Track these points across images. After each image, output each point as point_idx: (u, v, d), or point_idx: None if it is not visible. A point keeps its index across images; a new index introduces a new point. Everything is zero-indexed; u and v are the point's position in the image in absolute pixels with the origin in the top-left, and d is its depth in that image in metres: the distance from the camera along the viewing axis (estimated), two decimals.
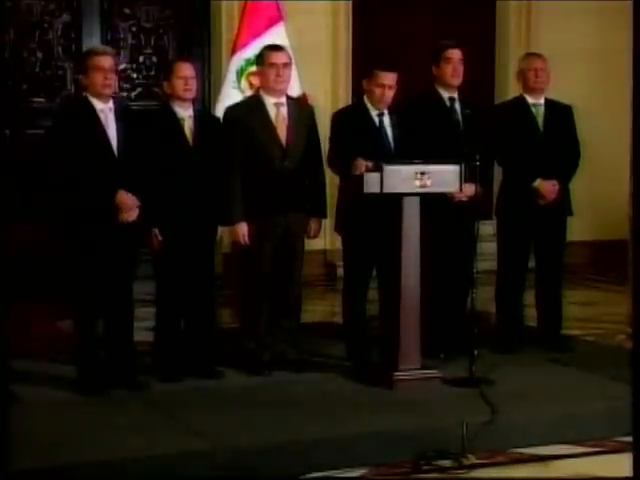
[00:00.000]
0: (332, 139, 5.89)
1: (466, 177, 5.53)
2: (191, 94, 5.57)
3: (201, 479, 4.32)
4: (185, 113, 5.57)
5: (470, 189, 5.68)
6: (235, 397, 5.30)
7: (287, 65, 5.72)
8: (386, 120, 5.86)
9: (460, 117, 6.06)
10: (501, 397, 5.18)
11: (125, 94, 8.70)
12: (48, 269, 6.92)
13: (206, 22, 8.95)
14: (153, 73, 8.88)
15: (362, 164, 5.43)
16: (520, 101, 6.32)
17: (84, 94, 5.39)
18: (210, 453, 4.45)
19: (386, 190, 5.32)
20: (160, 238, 5.52)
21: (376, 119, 5.85)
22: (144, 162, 5.36)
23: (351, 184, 5.51)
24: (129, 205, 5.24)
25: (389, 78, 5.78)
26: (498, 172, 6.48)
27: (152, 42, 8.93)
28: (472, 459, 4.37)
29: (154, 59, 8.92)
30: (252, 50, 6.86)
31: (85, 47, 8.06)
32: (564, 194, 6.26)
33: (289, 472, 4.28)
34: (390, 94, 5.80)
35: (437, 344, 5.88)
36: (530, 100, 6.27)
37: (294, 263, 5.80)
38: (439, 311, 6.01)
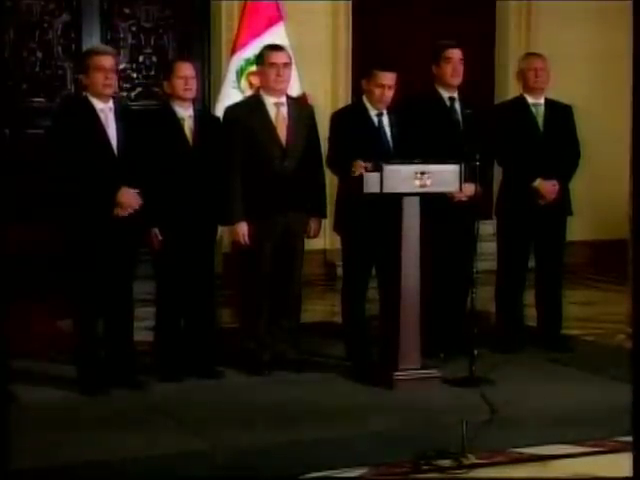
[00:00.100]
0: (331, 139, 5.89)
1: (466, 177, 5.53)
2: (191, 94, 5.57)
3: (201, 479, 4.31)
4: (185, 113, 5.58)
5: (470, 189, 5.68)
6: (235, 397, 5.31)
7: (287, 65, 5.72)
8: (385, 120, 5.86)
9: (460, 117, 6.06)
10: (501, 397, 5.18)
11: (125, 94, 8.70)
12: (48, 269, 6.92)
13: (206, 22, 8.95)
14: (153, 73, 8.87)
15: (361, 165, 5.43)
16: (520, 101, 6.32)
17: (84, 94, 5.39)
18: (210, 453, 4.45)
19: (386, 190, 5.33)
20: (160, 238, 5.52)
21: (375, 119, 5.85)
22: (144, 162, 5.37)
23: (351, 184, 5.51)
24: (131, 203, 5.24)
25: (388, 78, 5.78)
26: (498, 172, 6.48)
27: (152, 42, 8.93)
28: (472, 459, 4.36)
29: (154, 59, 8.91)
30: (252, 50, 6.86)
31: (85, 47, 8.05)
32: (564, 194, 6.27)
33: (289, 472, 4.28)
34: (389, 94, 5.81)
35: (437, 344, 5.88)
36: (530, 100, 6.27)
37: (294, 263, 5.80)
38: (439, 311, 6.01)
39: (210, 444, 4.55)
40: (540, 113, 6.27)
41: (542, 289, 6.39)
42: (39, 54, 8.60)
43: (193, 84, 5.57)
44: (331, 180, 6.02)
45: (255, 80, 6.45)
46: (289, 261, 5.77)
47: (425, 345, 5.54)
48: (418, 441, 4.54)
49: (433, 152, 5.55)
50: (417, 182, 5.38)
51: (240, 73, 7.10)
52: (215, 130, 5.68)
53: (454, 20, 9.22)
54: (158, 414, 4.99)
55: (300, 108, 5.90)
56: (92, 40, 8.49)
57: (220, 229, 5.95)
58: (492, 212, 6.55)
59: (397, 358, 5.43)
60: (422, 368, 5.49)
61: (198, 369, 5.62)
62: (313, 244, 6.37)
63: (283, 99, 5.74)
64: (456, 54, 6.06)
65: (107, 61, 5.31)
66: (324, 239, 7.07)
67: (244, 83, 7.07)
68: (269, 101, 5.70)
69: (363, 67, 6.47)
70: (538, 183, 6.16)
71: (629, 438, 3.66)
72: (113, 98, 5.39)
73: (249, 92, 6.78)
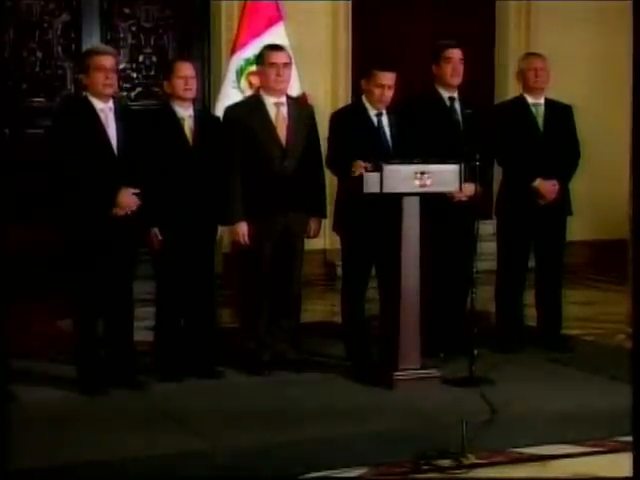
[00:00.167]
0: (330, 139, 5.88)
1: (466, 177, 5.53)
2: (191, 94, 5.58)
3: (201, 479, 4.31)
4: (185, 113, 5.58)
5: (470, 189, 5.68)
6: (235, 397, 5.31)
7: (287, 65, 5.72)
8: (384, 120, 5.86)
9: (460, 117, 6.06)
10: (501, 397, 5.18)
11: (125, 94, 8.70)
12: (48, 269, 6.92)
13: (206, 22, 8.95)
14: (153, 73, 8.87)
15: (361, 165, 5.43)
16: (520, 101, 6.32)
17: (84, 94, 5.39)
18: (210, 453, 4.45)
19: (386, 190, 5.32)
20: (160, 238, 5.52)
21: (374, 119, 5.85)
22: (144, 162, 5.37)
23: (351, 184, 5.51)
24: (129, 204, 5.24)
25: (388, 78, 5.78)
26: (498, 172, 6.48)
27: (152, 42, 8.93)
28: (472, 459, 4.36)
29: (154, 59, 8.92)
30: (252, 50, 6.86)
31: (85, 47, 8.05)
32: (564, 194, 6.27)
33: (289, 472, 4.28)
34: (389, 94, 5.80)
35: (437, 344, 5.88)
36: (530, 100, 6.27)
37: (294, 263, 5.80)
38: (439, 311, 6.01)
39: (210, 444, 4.55)
40: (540, 113, 6.26)
41: (542, 289, 6.39)
42: (39, 54, 8.60)
43: (193, 84, 5.57)
44: (331, 180, 6.02)
45: (255, 80, 6.45)
46: (289, 261, 5.77)
47: (425, 345, 5.54)
48: (418, 441, 4.54)
49: (433, 152, 5.55)
50: (417, 182, 5.37)
51: (240, 73, 7.10)
52: (215, 130, 5.68)
53: (454, 20, 9.23)
54: (158, 414, 4.99)
55: (300, 108, 5.89)
56: (92, 40, 8.50)
57: (220, 229, 5.95)
58: (492, 212, 6.56)
59: (397, 358, 5.43)
60: (422, 368, 5.49)
61: (198, 369, 5.62)
62: (313, 244, 6.37)
63: (283, 99, 5.74)
64: (456, 54, 6.06)
65: (107, 61, 5.31)
66: (324, 239, 7.07)
67: (244, 83, 7.07)
68: (269, 101, 5.69)
69: (363, 67, 6.47)
70: (538, 183, 6.16)
71: (629, 438, 3.66)
72: (113, 98, 5.39)
73: (249, 92, 6.77)
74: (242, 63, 7.08)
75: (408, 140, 5.80)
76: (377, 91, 5.78)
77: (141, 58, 8.91)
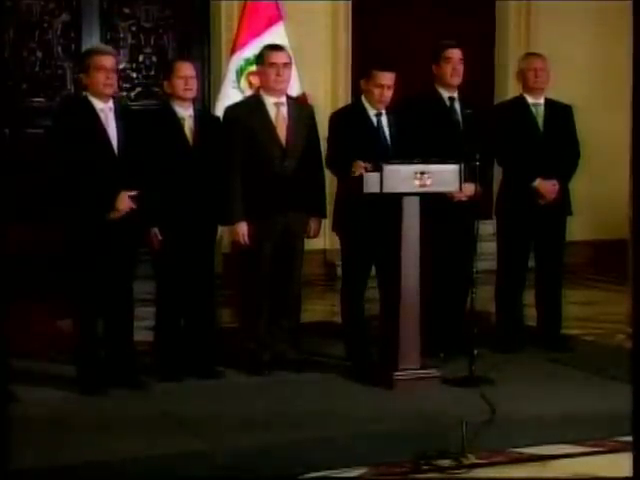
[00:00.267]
0: (330, 139, 5.88)
1: (466, 177, 5.53)
2: (191, 94, 5.58)
3: (201, 479, 4.31)
4: (185, 113, 5.58)
5: (470, 189, 5.68)
6: (235, 397, 5.31)
7: (287, 65, 5.72)
8: (384, 120, 5.86)
9: (460, 117, 6.06)
10: (501, 397, 5.18)
11: (125, 94, 8.70)
12: (48, 269, 6.92)
13: (206, 22, 8.95)
14: (153, 73, 8.87)
15: (361, 166, 5.43)
16: (520, 101, 6.32)
17: (84, 94, 5.38)
18: (210, 453, 4.45)
19: (386, 190, 5.33)
20: (160, 238, 5.52)
21: (374, 119, 5.85)
22: (144, 162, 5.37)
23: (351, 184, 5.51)
24: (126, 209, 5.24)
25: (387, 78, 5.78)
26: (498, 172, 6.48)
27: (152, 42, 8.93)
28: (472, 459, 4.36)
29: (154, 59, 8.92)
30: (252, 50, 6.85)
31: (85, 47, 8.06)
32: (564, 194, 6.27)
33: (289, 472, 4.28)
34: (389, 94, 5.80)
35: (437, 344, 5.88)
36: (530, 100, 6.27)
37: (294, 263, 5.80)
38: (439, 311, 6.01)
39: (210, 444, 4.54)
40: (540, 113, 6.27)
41: (542, 289, 6.39)
42: (39, 54, 8.60)
43: (193, 84, 5.57)
44: (330, 180, 6.02)
45: (255, 80, 6.45)
46: (289, 261, 5.77)
47: (425, 345, 5.54)
48: (418, 441, 4.54)
49: (433, 152, 5.55)
50: (417, 182, 5.38)
51: (240, 73, 7.09)
52: (215, 130, 5.68)
53: (454, 20, 9.23)
54: (158, 414, 4.99)
55: (300, 108, 5.90)
56: (92, 40, 8.50)
57: (220, 229, 5.95)
58: (492, 212, 6.55)
59: (397, 358, 5.43)
60: (422, 368, 5.49)
61: (198, 369, 5.62)
62: (313, 244, 6.37)
63: (283, 99, 5.74)
64: (456, 54, 6.06)
65: (108, 61, 5.31)
66: (324, 239, 7.06)
67: (244, 83, 7.07)
68: (269, 101, 5.69)
69: (362, 67, 6.47)
70: (538, 183, 6.16)
71: (629, 438, 3.66)
72: (113, 98, 5.39)
73: (249, 92, 6.77)
74: (242, 63, 7.07)
75: (408, 140, 5.80)
76: (376, 91, 5.78)
77: (141, 58, 8.91)
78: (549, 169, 6.17)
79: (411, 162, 5.42)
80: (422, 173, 5.38)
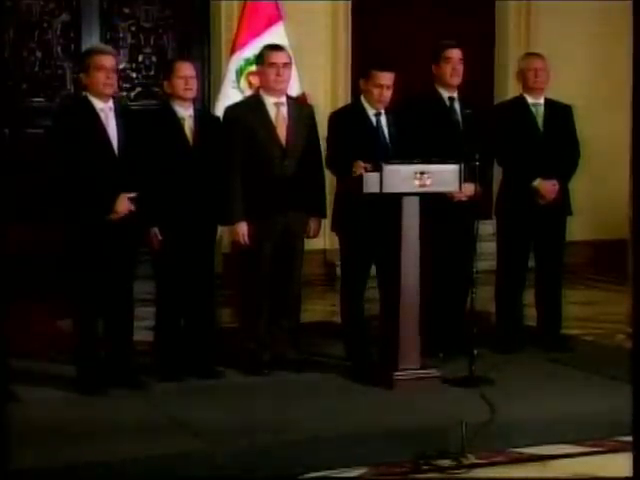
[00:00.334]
0: (329, 139, 5.88)
1: (466, 177, 5.53)
2: (191, 94, 5.58)
3: (201, 479, 4.31)
4: (185, 113, 5.58)
5: (470, 189, 5.68)
6: (235, 397, 5.31)
7: (287, 65, 5.72)
8: (383, 120, 5.86)
9: (460, 117, 6.06)
10: (501, 397, 5.18)
11: (125, 94, 8.70)
12: (48, 269, 6.92)
13: (206, 22, 8.95)
14: (153, 73, 8.87)
15: (362, 166, 5.43)
16: (520, 101, 6.32)
17: (84, 93, 5.38)
18: (210, 453, 4.44)
19: (386, 190, 5.33)
20: (160, 238, 5.52)
21: (373, 119, 5.85)
22: (144, 161, 5.37)
23: (350, 184, 5.51)
24: (125, 211, 5.24)
25: (386, 78, 5.77)
26: (498, 172, 6.48)
27: (152, 42, 8.93)
28: (471, 459, 4.36)
29: (153, 59, 8.92)
30: (251, 50, 6.85)
31: (84, 47, 8.06)
32: (564, 194, 6.27)
33: (288, 472, 4.28)
34: (388, 94, 5.80)
35: (437, 344, 5.88)
36: (530, 100, 6.27)
37: (294, 263, 5.80)
38: (439, 311, 6.01)
39: (210, 444, 4.54)
40: (540, 113, 6.26)
41: (542, 289, 6.39)
42: (39, 54, 8.60)
43: (193, 84, 5.57)
44: (330, 180, 6.02)
45: (255, 80, 6.45)
46: (289, 261, 5.77)
47: (425, 345, 5.54)
48: (418, 441, 4.53)
49: (432, 152, 5.55)
50: (417, 182, 5.38)
51: (240, 73, 7.09)
52: (215, 130, 5.68)
53: (454, 20, 9.23)
54: (158, 414, 4.98)
55: (300, 108, 5.90)
56: (91, 40, 8.50)
57: (220, 229, 5.95)
58: (492, 212, 6.55)
59: (397, 358, 5.43)
60: (422, 368, 5.49)
61: (198, 369, 5.62)
62: (313, 244, 6.36)
63: (283, 99, 5.74)
64: (456, 54, 6.06)
65: (108, 60, 5.31)
66: (324, 239, 7.07)
67: (244, 83, 7.07)
68: (269, 101, 5.69)
69: (361, 67, 6.47)
70: (538, 183, 6.16)
71: (629, 438, 3.66)
72: (113, 98, 5.39)
73: (249, 92, 6.77)
74: (242, 63, 7.07)
75: (407, 140, 5.80)
76: (376, 91, 5.78)
77: (141, 58, 8.91)
78: (549, 169, 6.17)
79: (411, 162, 5.43)
80: (422, 173, 5.38)
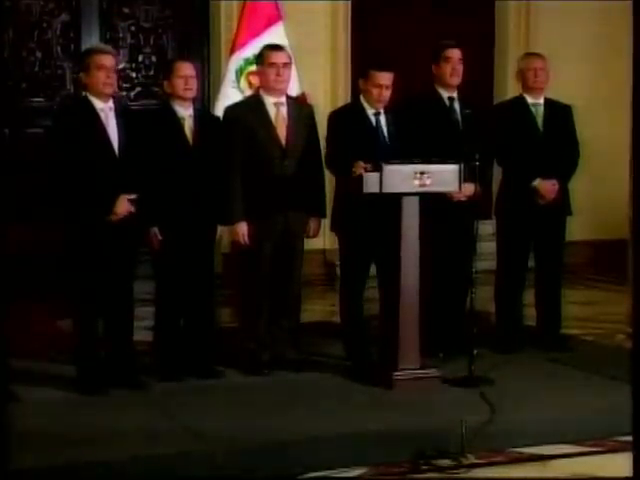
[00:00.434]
0: (329, 139, 5.88)
1: (465, 177, 5.53)
2: (191, 93, 5.58)
3: (201, 479, 4.31)
4: (185, 112, 5.58)
5: (469, 189, 5.68)
6: (235, 397, 5.31)
7: (287, 65, 5.72)
8: (382, 120, 5.86)
9: (459, 117, 6.07)
10: (501, 397, 5.18)
11: (124, 94, 8.70)
12: (48, 269, 6.92)
13: (205, 22, 8.94)
14: (152, 73, 8.87)
15: (362, 166, 5.42)
16: (519, 101, 6.32)
17: (84, 93, 5.38)
18: (210, 453, 4.44)
19: (385, 190, 5.33)
20: (160, 238, 5.52)
21: (372, 118, 5.85)
22: (144, 161, 5.37)
23: (350, 184, 5.51)
24: (124, 212, 5.24)
25: (385, 78, 5.78)
26: (498, 172, 6.48)
27: (151, 42, 8.92)
28: (471, 459, 4.36)
29: (153, 59, 8.91)
30: (251, 50, 6.85)
31: (84, 47, 8.05)
32: (564, 194, 6.27)
33: (288, 472, 4.28)
34: (387, 94, 5.80)
35: (436, 344, 5.88)
36: (529, 100, 6.27)
37: (294, 263, 5.80)
38: (438, 311, 6.01)
39: (210, 444, 4.54)
40: (540, 113, 6.26)
41: (542, 289, 6.39)
42: (38, 54, 8.60)
43: (193, 84, 5.57)
44: (330, 180, 6.01)
45: (254, 80, 6.45)
46: (289, 261, 5.77)
47: (424, 345, 5.54)
48: (417, 441, 4.53)
49: (432, 152, 5.56)
50: (417, 182, 5.38)
51: (239, 73, 7.09)
52: (215, 130, 5.68)
53: (454, 20, 9.22)
54: (158, 414, 4.98)
55: (300, 108, 5.90)
56: (91, 40, 8.50)
57: (220, 229, 5.95)
58: (492, 212, 6.55)
59: (396, 358, 5.43)
60: (421, 368, 5.49)
61: (198, 369, 5.62)
62: (313, 244, 6.36)
63: (283, 99, 5.74)
64: (455, 54, 6.06)
65: (108, 60, 5.31)
66: (324, 239, 7.06)
67: (243, 83, 7.07)
68: (269, 101, 5.70)
69: (361, 67, 6.47)
70: (538, 183, 6.16)
71: (629, 438, 3.66)
72: (113, 98, 5.39)
73: (249, 92, 6.77)
74: (242, 63, 7.07)
75: (407, 140, 5.80)
76: (375, 91, 5.78)
77: (140, 58, 8.91)
78: (549, 169, 6.17)
79: (411, 162, 5.43)
80: (422, 173, 5.38)
